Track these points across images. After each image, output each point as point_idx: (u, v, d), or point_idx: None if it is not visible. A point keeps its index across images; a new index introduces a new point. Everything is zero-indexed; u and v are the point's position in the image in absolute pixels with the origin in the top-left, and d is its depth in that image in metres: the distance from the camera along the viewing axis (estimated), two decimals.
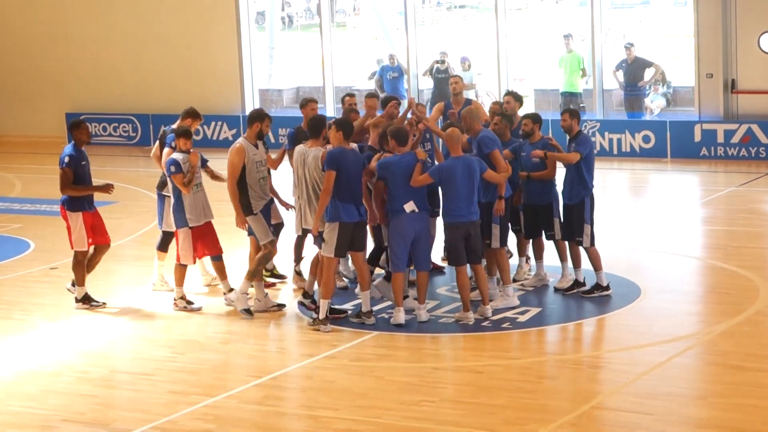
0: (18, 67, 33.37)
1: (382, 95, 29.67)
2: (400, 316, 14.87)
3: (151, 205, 15.54)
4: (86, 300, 15.90)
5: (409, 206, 14.69)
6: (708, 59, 26.68)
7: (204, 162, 16.02)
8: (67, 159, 15.54)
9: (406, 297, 15.16)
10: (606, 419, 12.05)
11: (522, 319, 15.10)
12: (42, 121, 32.94)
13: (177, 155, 15.44)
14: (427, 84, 29.97)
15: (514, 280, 16.18)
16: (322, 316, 14.66)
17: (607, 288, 15.78)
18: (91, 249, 15.89)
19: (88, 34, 32.45)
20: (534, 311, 15.31)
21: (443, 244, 15.74)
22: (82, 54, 32.57)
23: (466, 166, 14.68)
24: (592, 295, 15.72)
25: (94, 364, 13.96)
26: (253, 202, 15.22)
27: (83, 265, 15.80)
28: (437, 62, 29.61)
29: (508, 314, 15.16)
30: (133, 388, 13.34)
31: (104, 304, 15.96)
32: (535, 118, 16.09)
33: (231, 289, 15.80)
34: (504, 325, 14.85)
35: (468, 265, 14.87)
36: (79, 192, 15.67)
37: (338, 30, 36.33)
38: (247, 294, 15.38)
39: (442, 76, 29.26)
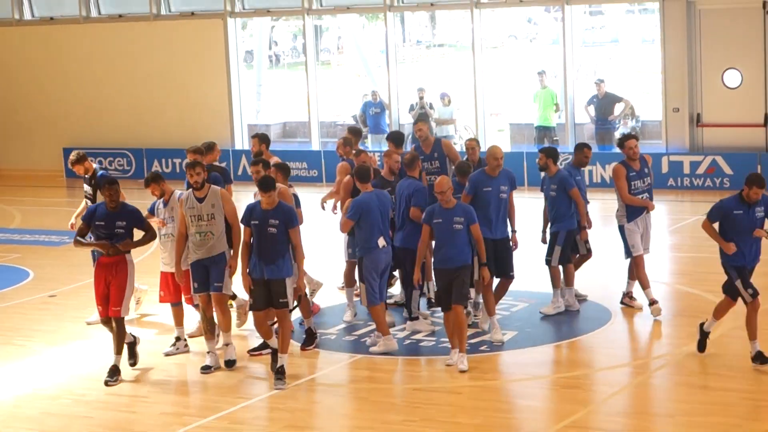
0: (17, 104, 33.39)
1: (365, 129, 29.97)
2: (392, 344, 14.80)
3: None
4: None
5: (381, 241, 14.65)
6: (674, 94, 26.83)
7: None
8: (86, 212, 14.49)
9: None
10: None
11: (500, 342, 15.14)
12: (40, 156, 32.94)
13: None
14: (408, 119, 30.03)
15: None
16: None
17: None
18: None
19: (84, 72, 32.47)
20: (510, 334, 15.32)
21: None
22: (78, 91, 32.59)
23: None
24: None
25: (90, 388, 13.95)
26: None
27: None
28: (417, 105, 29.64)
29: (486, 337, 15.20)
30: (129, 410, 13.33)
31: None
32: (548, 153, 16.14)
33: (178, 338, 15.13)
34: (482, 348, 14.87)
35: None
36: (78, 245, 14.33)
37: (323, 68, 36.51)
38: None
39: (422, 111, 29.37)
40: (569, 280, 16.26)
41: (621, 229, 15.83)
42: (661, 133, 27.20)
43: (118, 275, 13.92)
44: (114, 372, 14.05)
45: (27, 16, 33.29)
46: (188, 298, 14.89)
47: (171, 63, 31.51)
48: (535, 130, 28.85)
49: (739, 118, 26.44)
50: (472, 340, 15.02)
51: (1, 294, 18.77)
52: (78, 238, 14.20)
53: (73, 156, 16.67)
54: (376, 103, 30.22)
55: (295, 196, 15.03)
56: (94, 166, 16.86)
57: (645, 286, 15.81)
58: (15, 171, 33.10)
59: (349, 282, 16.12)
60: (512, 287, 16.16)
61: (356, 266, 15.22)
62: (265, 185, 13.33)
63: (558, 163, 16.29)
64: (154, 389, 13.88)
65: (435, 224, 13.90)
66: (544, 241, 16.20)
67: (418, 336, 15.34)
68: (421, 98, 29.75)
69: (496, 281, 15.36)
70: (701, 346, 14.01)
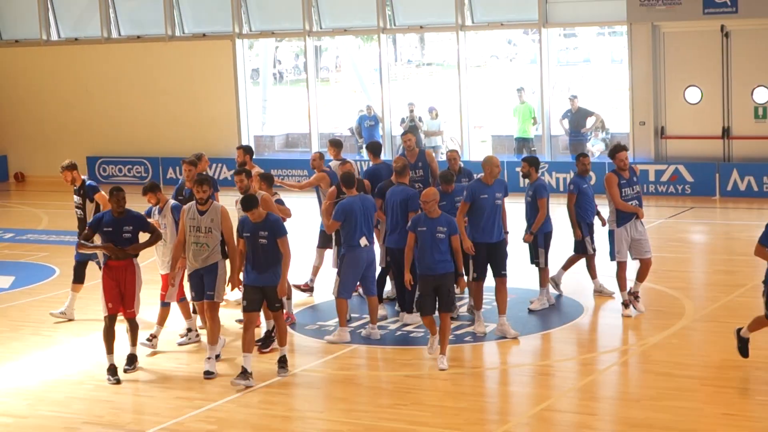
0: (44, 116, 33.38)
1: (360, 140, 30.02)
2: (346, 335, 14.86)
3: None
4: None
5: (363, 241, 14.73)
6: (641, 109, 26.88)
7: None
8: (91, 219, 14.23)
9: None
10: (554, 419, 12.10)
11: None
12: (62, 162, 32.86)
13: None
14: (399, 131, 30.07)
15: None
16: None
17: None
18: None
19: (105, 88, 32.48)
20: (492, 326, 15.33)
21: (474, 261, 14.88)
22: (100, 105, 32.60)
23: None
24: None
25: None
26: None
27: None
28: (408, 118, 29.72)
29: (470, 329, 15.22)
30: (145, 395, 13.37)
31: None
32: (531, 162, 16.18)
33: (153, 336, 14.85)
34: (466, 339, 14.91)
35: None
36: (83, 248, 14.33)
37: (322, 84, 36.49)
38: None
39: (412, 124, 29.43)
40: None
41: (611, 233, 15.63)
42: (629, 144, 27.22)
43: (128, 278, 13.77)
44: (132, 360, 14.00)
45: (54, 37, 33.28)
46: (162, 295, 14.78)
47: (184, 80, 31.53)
48: (515, 142, 28.90)
49: (699, 130, 26.50)
50: (457, 332, 15.06)
51: (31, 289, 18.77)
52: (82, 242, 14.04)
53: (65, 162, 16.45)
54: (370, 117, 30.26)
55: (280, 201, 15.03)
56: (82, 177, 16.57)
57: (622, 288, 15.68)
58: (42, 177, 33.09)
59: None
60: (490, 282, 16.21)
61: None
62: (247, 205, 13.10)
63: (539, 171, 16.36)
64: (168, 376, 13.87)
65: (419, 232, 13.61)
66: (526, 240, 16.18)
67: (409, 327, 15.36)
68: (411, 112, 29.80)
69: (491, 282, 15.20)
70: (743, 353, 13.04)
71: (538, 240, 15.96)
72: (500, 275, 14.95)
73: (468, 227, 14.79)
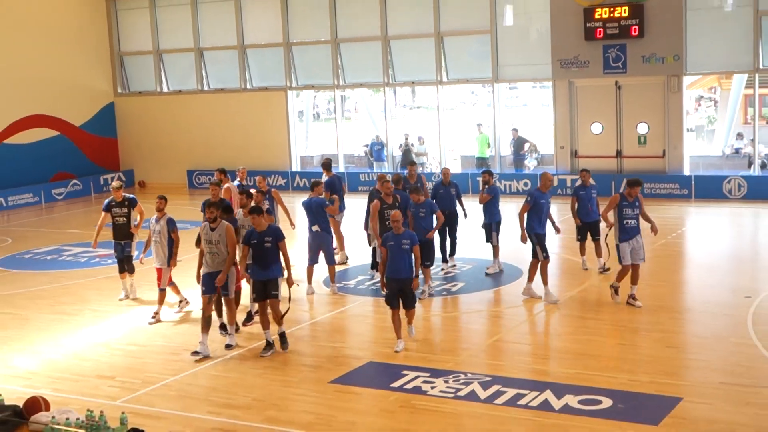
0: (158, 143, 33.28)
1: (371, 159, 29.81)
2: (310, 288, 14.96)
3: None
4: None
5: (316, 228, 14.88)
6: (562, 137, 26.72)
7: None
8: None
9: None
10: (503, 348, 12.02)
11: (454, 289, 15.05)
12: (172, 175, 32.81)
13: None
14: (398, 153, 29.93)
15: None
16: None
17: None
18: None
19: (199, 124, 32.36)
20: (460, 284, 15.26)
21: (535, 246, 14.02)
22: (195, 135, 32.49)
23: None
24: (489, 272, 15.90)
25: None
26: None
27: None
28: (404, 144, 29.65)
29: (446, 286, 15.11)
30: (215, 333, 13.25)
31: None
32: (489, 173, 15.94)
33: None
34: (443, 293, 14.79)
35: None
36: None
37: (345, 121, 36.22)
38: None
39: (406, 148, 29.33)
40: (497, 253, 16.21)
41: (617, 247, 13.74)
42: (554, 161, 27.11)
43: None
44: (224, 327, 12.91)
45: (165, 89, 33.16)
46: (158, 283, 14.06)
47: (252, 118, 31.42)
48: (476, 160, 28.77)
49: (601, 152, 26.34)
50: (437, 288, 14.95)
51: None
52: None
53: (120, 183, 15.44)
54: (378, 143, 30.14)
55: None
56: (123, 194, 15.52)
57: (619, 280, 13.93)
58: (157, 184, 33.02)
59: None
60: (460, 255, 16.08)
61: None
62: (253, 211, 12.02)
63: (494, 179, 16.24)
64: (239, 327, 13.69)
65: (389, 246, 12.32)
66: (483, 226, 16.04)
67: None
68: (406, 140, 29.69)
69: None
70: None
71: (492, 226, 15.87)
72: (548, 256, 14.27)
73: (528, 222, 13.99)
